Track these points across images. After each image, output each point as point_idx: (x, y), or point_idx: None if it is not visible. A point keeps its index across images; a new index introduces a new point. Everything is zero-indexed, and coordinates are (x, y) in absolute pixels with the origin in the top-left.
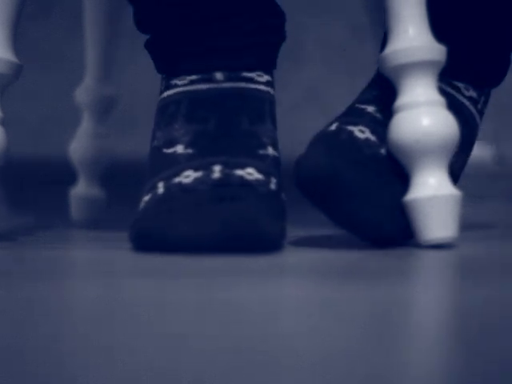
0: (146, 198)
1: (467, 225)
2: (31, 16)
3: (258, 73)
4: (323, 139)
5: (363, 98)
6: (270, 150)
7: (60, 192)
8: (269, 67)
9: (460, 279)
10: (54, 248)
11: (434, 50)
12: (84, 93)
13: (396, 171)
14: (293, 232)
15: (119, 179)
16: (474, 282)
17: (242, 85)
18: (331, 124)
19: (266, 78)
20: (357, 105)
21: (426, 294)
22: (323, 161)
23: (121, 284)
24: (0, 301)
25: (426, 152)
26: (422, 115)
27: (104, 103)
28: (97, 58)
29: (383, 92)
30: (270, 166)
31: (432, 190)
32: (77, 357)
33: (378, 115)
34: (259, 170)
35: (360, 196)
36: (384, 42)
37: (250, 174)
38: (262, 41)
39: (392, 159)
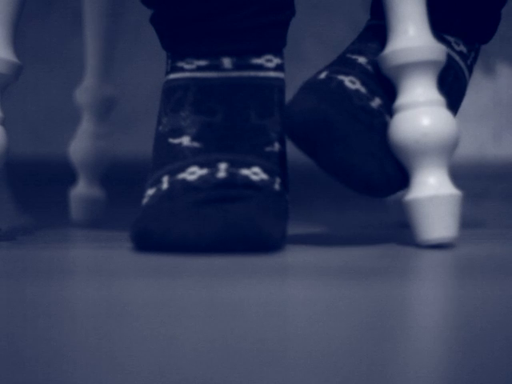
0: (151, 192)
1: (467, 225)
2: (31, 16)
3: (267, 57)
4: (312, 86)
5: (354, 48)
6: (277, 146)
7: (60, 192)
8: (278, 48)
9: (460, 279)
10: (54, 248)
11: (434, 50)
12: (84, 93)
13: (386, 126)
14: (293, 232)
15: (119, 179)
16: (474, 282)
17: (251, 74)
18: (320, 72)
19: (275, 61)
20: (348, 55)
21: (426, 294)
22: (312, 105)
23: (121, 284)
24: (0, 301)
25: (425, 152)
26: (422, 115)
27: (104, 103)
28: (97, 58)
29: (375, 44)
30: (276, 164)
31: (432, 190)
32: (76, 357)
33: (369, 67)
34: (265, 170)
35: (348, 143)
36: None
37: (256, 173)
38: (271, 20)
39: (382, 113)
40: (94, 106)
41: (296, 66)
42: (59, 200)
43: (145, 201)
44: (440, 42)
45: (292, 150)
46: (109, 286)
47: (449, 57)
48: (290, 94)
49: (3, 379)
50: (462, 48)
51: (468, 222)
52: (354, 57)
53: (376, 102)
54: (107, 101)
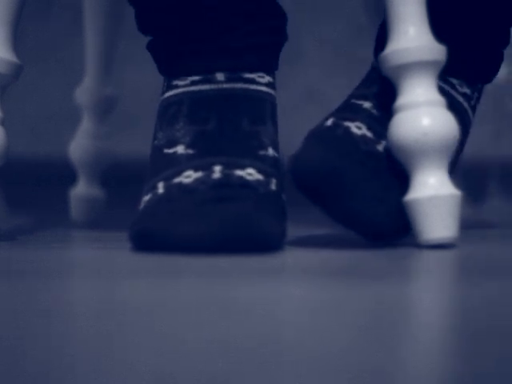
0: (146, 197)
1: (467, 225)
2: (31, 16)
3: (260, 74)
4: (319, 134)
5: (359, 94)
6: (271, 151)
7: (60, 192)
8: (270, 68)
9: (460, 279)
10: (54, 248)
11: (434, 50)
12: (84, 93)
13: (393, 168)
14: (293, 232)
15: (119, 179)
16: (474, 282)
17: (243, 86)
18: (327, 119)
19: (267, 79)
20: (353, 100)
21: (426, 294)
22: (319, 155)
23: (121, 284)
24: (0, 301)
25: (425, 152)
26: (422, 115)
27: (104, 103)
28: (97, 58)
29: (379, 87)
30: (271, 167)
31: (432, 190)
32: (76, 357)
33: (374, 111)
34: (259, 171)
35: (356, 192)
36: (379, 35)
37: (250, 174)
38: (263, 42)
39: (389, 156)
40: (94, 106)
41: (296, 66)
42: (59, 200)
43: (141, 206)
44: (444, 84)
45: (291, 152)
46: (109, 286)
47: (453, 98)
48: (290, 95)
49: (3, 379)
50: (466, 90)
51: (468, 222)
52: (360, 102)
53: (382, 145)
54: (107, 101)
